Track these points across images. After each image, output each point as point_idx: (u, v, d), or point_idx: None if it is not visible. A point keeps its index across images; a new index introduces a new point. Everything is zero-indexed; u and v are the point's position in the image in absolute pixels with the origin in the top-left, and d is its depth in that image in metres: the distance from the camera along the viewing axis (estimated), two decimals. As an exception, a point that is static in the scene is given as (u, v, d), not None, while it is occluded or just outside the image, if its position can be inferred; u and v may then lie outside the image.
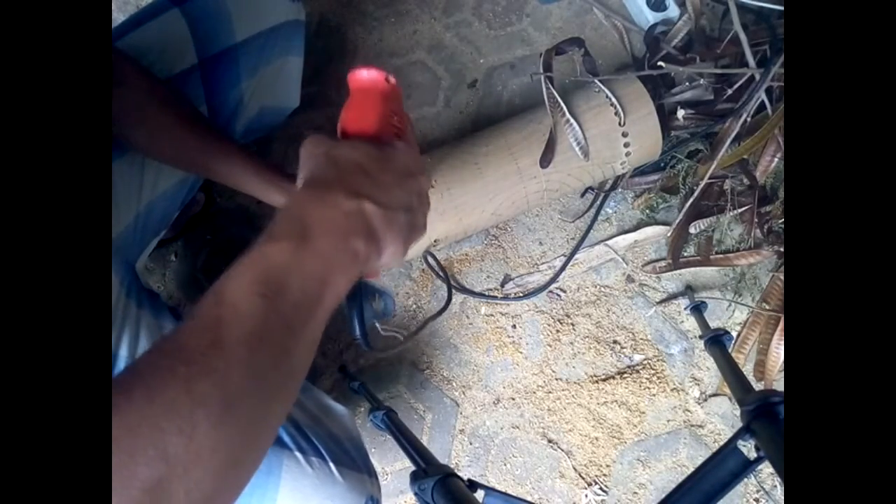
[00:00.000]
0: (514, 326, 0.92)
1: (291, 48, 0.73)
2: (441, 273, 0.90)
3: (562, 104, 0.77)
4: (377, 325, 0.66)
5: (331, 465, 0.58)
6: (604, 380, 0.89)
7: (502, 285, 0.93)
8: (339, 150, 0.39)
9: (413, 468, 0.52)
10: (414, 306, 0.93)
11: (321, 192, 0.37)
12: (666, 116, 0.85)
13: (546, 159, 0.78)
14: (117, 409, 0.25)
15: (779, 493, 0.85)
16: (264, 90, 0.71)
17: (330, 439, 0.61)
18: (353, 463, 0.61)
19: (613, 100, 0.78)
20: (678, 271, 0.91)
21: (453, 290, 0.92)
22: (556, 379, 0.90)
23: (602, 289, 0.92)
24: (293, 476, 0.56)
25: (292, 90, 0.79)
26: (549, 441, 0.88)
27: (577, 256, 0.92)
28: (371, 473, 0.63)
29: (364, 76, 0.44)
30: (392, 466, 0.90)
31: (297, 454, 0.57)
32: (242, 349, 0.29)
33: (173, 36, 0.62)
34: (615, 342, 0.91)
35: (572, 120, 0.77)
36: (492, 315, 0.92)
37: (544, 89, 0.77)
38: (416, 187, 0.42)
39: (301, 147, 0.41)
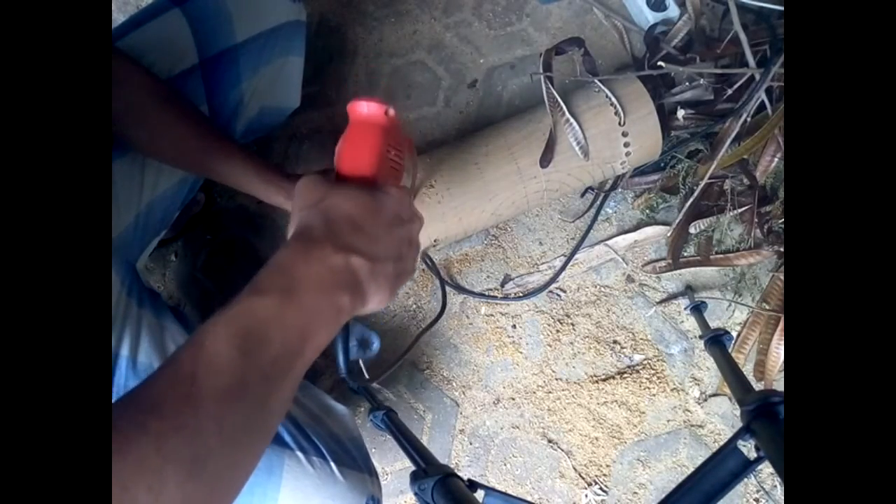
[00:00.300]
0: (514, 326, 0.92)
1: (292, 48, 0.73)
2: (438, 277, 0.89)
3: (562, 104, 0.77)
4: (361, 363, 0.66)
5: (332, 464, 0.58)
6: (604, 380, 0.89)
7: (502, 285, 0.93)
8: (331, 201, 0.39)
9: (413, 468, 0.52)
10: (414, 306, 0.93)
11: (310, 245, 0.37)
12: (666, 116, 0.85)
13: (546, 159, 0.78)
14: None
15: (779, 493, 0.85)
16: (265, 90, 0.71)
17: (331, 439, 0.61)
18: (354, 462, 0.61)
19: (613, 99, 0.78)
20: (678, 271, 0.91)
21: (453, 291, 0.92)
22: (556, 379, 0.90)
23: (602, 289, 0.92)
24: (294, 476, 0.56)
25: (293, 90, 0.79)
26: (549, 441, 0.88)
27: (577, 256, 0.92)
28: (372, 473, 0.63)
29: (364, 111, 0.44)
30: (392, 466, 0.90)
31: (299, 454, 0.57)
32: (217, 405, 0.29)
33: (174, 36, 0.62)
34: (615, 342, 0.91)
35: (572, 120, 0.77)
36: (492, 315, 0.92)
37: (544, 89, 0.77)
38: (406, 235, 0.42)
39: (296, 187, 0.41)
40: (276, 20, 0.68)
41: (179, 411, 0.28)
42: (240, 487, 0.32)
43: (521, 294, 0.92)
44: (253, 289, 0.34)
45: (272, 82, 0.71)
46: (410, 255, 0.43)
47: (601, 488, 0.87)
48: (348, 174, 0.43)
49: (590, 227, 0.92)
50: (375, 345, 0.59)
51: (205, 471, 0.28)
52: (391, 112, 0.45)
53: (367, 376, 0.70)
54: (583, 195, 0.94)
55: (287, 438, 0.57)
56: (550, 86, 0.77)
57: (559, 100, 0.77)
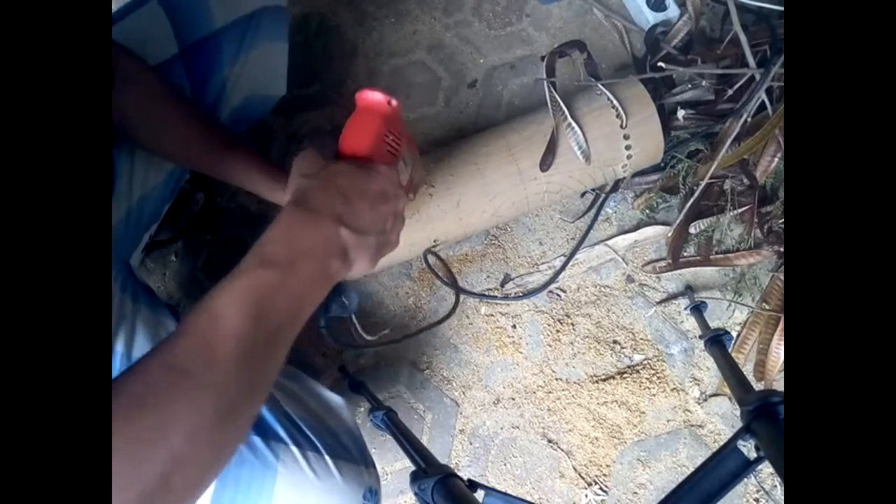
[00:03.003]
0: (514, 326, 0.92)
1: (275, 35, 0.72)
2: (445, 278, 0.89)
3: (563, 108, 0.77)
4: (355, 320, 0.70)
5: (327, 458, 0.58)
6: (604, 380, 0.89)
7: (502, 285, 0.93)
8: (328, 174, 0.45)
9: (413, 468, 0.52)
10: (414, 306, 0.93)
11: (308, 215, 0.41)
12: (666, 116, 0.85)
13: (546, 162, 0.78)
14: (129, 418, 0.30)
15: (779, 493, 0.85)
16: (248, 77, 0.70)
17: (326, 433, 0.61)
18: (350, 455, 0.61)
19: (615, 102, 0.78)
20: (678, 271, 0.91)
21: (453, 291, 0.92)
22: (556, 379, 0.90)
23: (602, 289, 0.92)
24: (290, 470, 0.56)
25: (278, 77, 0.78)
26: (549, 441, 0.88)
27: (577, 256, 0.92)
28: (368, 464, 0.63)
29: (369, 98, 0.49)
30: (392, 466, 0.90)
31: (294, 448, 0.57)
32: (235, 367, 0.34)
33: (153, 27, 0.63)
34: (615, 342, 0.91)
35: (574, 123, 0.77)
36: (492, 315, 0.92)
37: (547, 93, 0.77)
38: (389, 211, 0.47)
39: (294, 159, 0.46)
40: (255, 4, 0.68)
41: (206, 373, 0.33)
42: (251, 425, 0.39)
43: (521, 294, 0.92)
44: (261, 261, 0.38)
45: (256, 69, 0.71)
46: (395, 228, 0.48)
47: (601, 488, 0.87)
48: (347, 153, 0.48)
49: (590, 228, 0.92)
50: (354, 300, 0.64)
51: (229, 420, 0.34)
52: (394, 103, 0.49)
53: (364, 336, 0.73)
54: (583, 195, 0.94)
55: (282, 433, 0.57)
56: (553, 90, 0.77)
57: (561, 103, 0.77)
